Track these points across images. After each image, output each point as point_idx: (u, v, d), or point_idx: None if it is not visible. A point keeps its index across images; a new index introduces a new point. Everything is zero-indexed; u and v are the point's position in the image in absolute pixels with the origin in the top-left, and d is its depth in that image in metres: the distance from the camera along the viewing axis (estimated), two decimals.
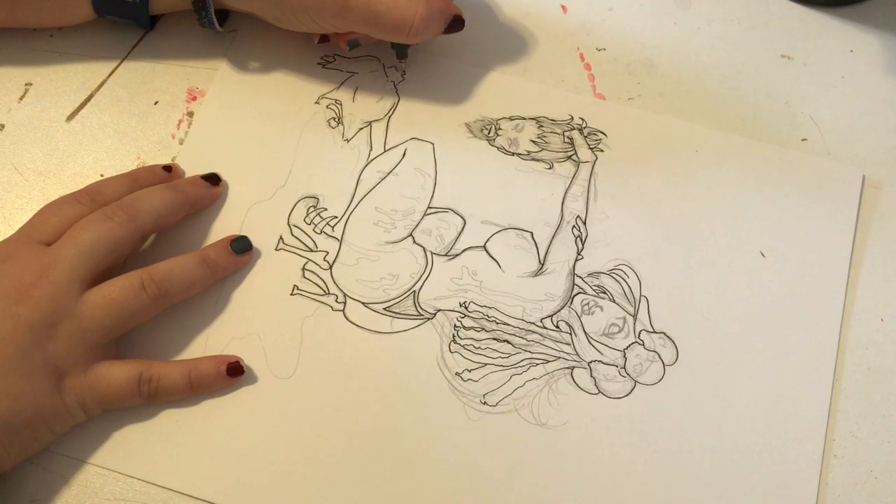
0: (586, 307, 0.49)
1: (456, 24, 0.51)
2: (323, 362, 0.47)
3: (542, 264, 0.50)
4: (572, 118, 0.54)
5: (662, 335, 0.48)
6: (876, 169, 0.53)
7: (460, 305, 0.48)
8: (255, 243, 0.49)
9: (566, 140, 0.53)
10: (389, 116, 0.53)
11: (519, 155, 0.53)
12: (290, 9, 0.49)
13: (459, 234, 0.50)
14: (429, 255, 0.50)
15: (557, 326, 0.48)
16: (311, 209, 0.51)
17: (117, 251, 0.45)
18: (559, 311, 0.49)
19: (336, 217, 0.51)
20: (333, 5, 0.48)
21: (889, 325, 0.49)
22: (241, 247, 0.49)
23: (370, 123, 0.53)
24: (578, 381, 0.47)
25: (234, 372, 0.46)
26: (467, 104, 0.54)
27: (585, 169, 0.52)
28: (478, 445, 0.45)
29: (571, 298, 0.49)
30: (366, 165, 0.52)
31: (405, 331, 0.48)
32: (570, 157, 0.53)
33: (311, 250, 0.50)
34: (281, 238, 0.50)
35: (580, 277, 0.49)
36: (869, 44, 0.57)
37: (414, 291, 0.49)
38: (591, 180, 0.52)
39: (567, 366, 0.47)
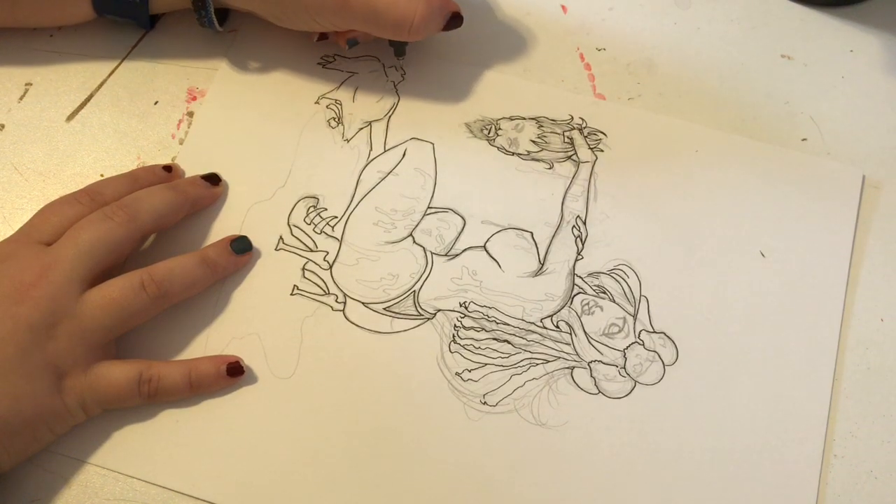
0: (586, 307, 0.49)
1: (455, 20, 0.51)
2: (323, 362, 0.47)
3: (542, 264, 0.50)
4: (572, 118, 0.54)
5: (662, 335, 0.48)
6: (876, 169, 0.53)
7: (460, 305, 0.48)
8: (255, 243, 0.49)
9: (566, 140, 0.53)
10: (389, 116, 0.53)
11: (519, 155, 0.53)
12: (290, 7, 0.49)
13: (459, 234, 0.50)
14: (429, 255, 0.50)
15: (557, 326, 0.48)
16: (311, 209, 0.51)
17: (117, 251, 0.45)
18: (559, 311, 0.49)
19: (336, 217, 0.51)
20: (334, 3, 0.48)
21: (889, 325, 0.49)
22: (241, 247, 0.49)
23: (370, 123, 0.53)
24: (578, 381, 0.47)
25: (234, 372, 0.46)
26: (467, 104, 0.54)
27: (585, 169, 0.52)
28: (478, 445, 0.45)
29: (571, 298, 0.49)
30: (366, 165, 0.52)
31: (405, 331, 0.48)
32: (570, 157, 0.53)
33: (311, 250, 0.50)
34: (281, 238, 0.50)
35: (580, 277, 0.49)
36: (869, 44, 0.57)
37: (414, 291, 0.49)
38: (591, 180, 0.52)
39: (567, 366, 0.47)
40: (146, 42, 0.55)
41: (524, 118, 0.54)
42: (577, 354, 0.48)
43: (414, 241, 0.50)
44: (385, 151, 0.52)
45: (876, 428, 0.47)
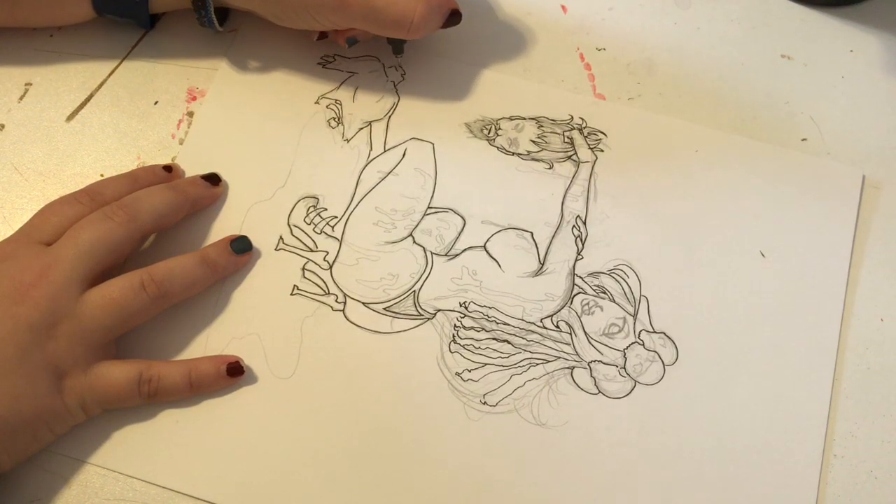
0: (586, 307, 0.49)
1: (453, 17, 0.51)
2: (323, 362, 0.47)
3: (542, 264, 0.50)
4: (572, 118, 0.54)
5: (662, 335, 0.48)
6: (876, 169, 0.53)
7: (460, 305, 0.48)
8: (255, 243, 0.49)
9: (566, 140, 0.53)
10: (389, 116, 0.53)
11: (519, 155, 0.53)
12: (290, 6, 0.49)
13: (459, 234, 0.50)
14: (429, 255, 0.50)
15: (557, 326, 0.48)
16: (311, 209, 0.51)
17: (117, 251, 0.45)
18: (559, 311, 0.49)
19: (336, 217, 0.51)
20: (333, 2, 0.48)
21: (889, 325, 0.49)
22: (241, 247, 0.49)
23: (370, 123, 0.53)
24: (578, 381, 0.47)
25: (234, 372, 0.46)
26: (467, 104, 0.54)
27: (585, 169, 0.52)
28: (478, 445, 0.45)
29: (571, 298, 0.49)
30: (366, 165, 0.52)
31: (405, 331, 0.48)
32: (570, 157, 0.53)
33: (311, 250, 0.50)
34: (281, 238, 0.50)
35: (580, 277, 0.49)
36: (869, 44, 0.57)
37: (414, 291, 0.49)
38: (591, 180, 0.52)
39: (567, 366, 0.47)
40: (146, 42, 0.55)
41: (524, 118, 0.54)
42: (577, 354, 0.48)
43: (414, 241, 0.50)
44: (385, 151, 0.52)
45: (876, 428, 0.47)
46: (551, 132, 0.53)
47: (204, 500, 0.44)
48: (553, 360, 0.47)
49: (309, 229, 0.50)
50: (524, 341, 0.48)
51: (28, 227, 0.46)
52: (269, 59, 0.55)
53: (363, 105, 0.54)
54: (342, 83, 0.54)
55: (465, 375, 0.47)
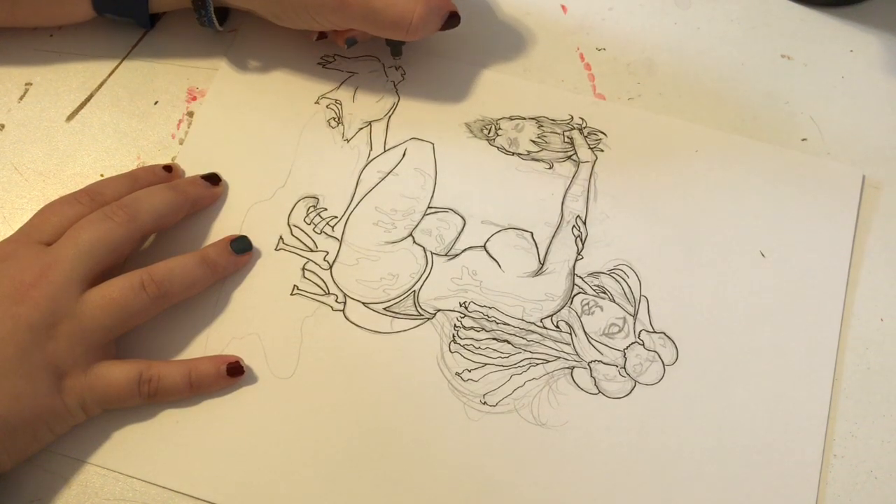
0: (586, 307, 0.49)
1: (452, 20, 0.51)
2: (323, 362, 0.47)
3: (542, 264, 0.50)
4: (572, 118, 0.54)
5: (662, 335, 0.48)
6: (876, 169, 0.53)
7: (460, 305, 0.48)
8: (255, 243, 0.49)
9: (566, 140, 0.53)
10: (389, 116, 0.53)
11: (519, 155, 0.53)
12: (290, 6, 0.49)
13: (459, 234, 0.50)
14: (429, 255, 0.50)
15: (557, 326, 0.48)
16: (311, 209, 0.51)
17: (117, 251, 0.45)
18: (559, 311, 0.49)
19: (336, 217, 0.51)
20: (333, 2, 0.48)
21: (889, 325, 0.49)
22: (241, 247, 0.49)
23: (370, 123, 0.53)
24: (578, 381, 0.47)
25: (234, 372, 0.46)
26: (467, 104, 0.54)
27: (585, 169, 0.52)
28: (478, 445, 0.45)
29: (571, 298, 0.49)
30: (366, 165, 0.52)
31: (405, 331, 0.48)
32: (570, 157, 0.53)
33: (311, 250, 0.50)
34: (281, 238, 0.50)
35: (580, 277, 0.49)
36: (869, 44, 0.57)
37: (414, 291, 0.49)
38: (591, 180, 0.52)
39: (567, 366, 0.47)
40: (146, 42, 0.55)
41: (524, 118, 0.54)
42: (577, 354, 0.48)
43: (414, 241, 0.50)
44: (385, 151, 0.52)
45: (876, 428, 0.47)
46: (551, 132, 0.53)
47: (204, 500, 0.44)
48: (553, 360, 0.47)
49: (309, 229, 0.50)
50: (524, 341, 0.48)
51: (28, 227, 0.46)
52: (269, 59, 0.55)
53: (363, 105, 0.54)
54: (342, 83, 0.54)
55: (465, 375, 0.47)
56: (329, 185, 0.51)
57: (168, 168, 0.50)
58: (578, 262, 0.50)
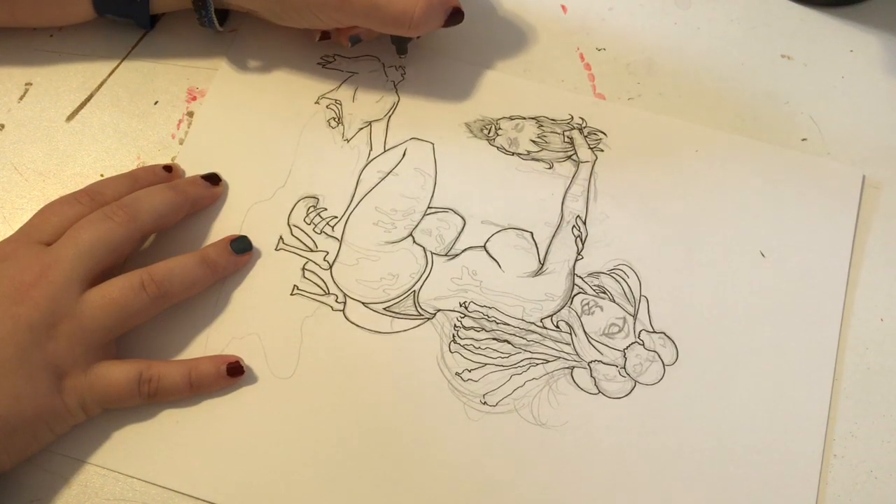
0: (586, 307, 0.49)
1: (456, 16, 0.50)
2: (323, 362, 0.47)
3: (542, 264, 0.50)
4: (572, 118, 0.54)
5: (662, 335, 0.48)
6: (876, 169, 0.53)
7: (460, 305, 0.48)
8: (255, 243, 0.49)
9: (566, 140, 0.53)
10: (389, 116, 0.53)
11: (519, 155, 0.53)
12: (292, 5, 0.49)
13: (459, 234, 0.50)
14: (429, 255, 0.50)
15: (557, 326, 0.48)
16: (311, 209, 0.51)
17: (117, 251, 0.45)
18: (559, 311, 0.49)
19: (336, 217, 0.51)
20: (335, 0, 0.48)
21: (889, 325, 0.49)
22: (241, 247, 0.49)
23: (370, 123, 0.53)
24: (578, 381, 0.47)
25: (234, 372, 0.46)
26: (467, 104, 0.54)
27: (585, 169, 0.52)
28: (478, 445, 0.45)
29: (571, 298, 0.49)
30: (366, 165, 0.52)
31: (405, 331, 0.48)
32: (570, 157, 0.53)
33: (311, 250, 0.50)
34: (281, 238, 0.50)
35: (580, 277, 0.49)
36: (869, 44, 0.57)
37: (414, 291, 0.49)
38: (591, 180, 0.52)
39: (567, 366, 0.47)
40: (146, 42, 0.55)
41: (524, 118, 0.54)
42: (577, 354, 0.48)
43: (414, 241, 0.50)
44: (385, 151, 0.52)
45: (876, 428, 0.47)
46: (551, 132, 0.53)
47: (204, 500, 0.44)
48: (553, 360, 0.47)
49: (309, 229, 0.50)
50: (524, 341, 0.48)
51: (28, 227, 0.46)
52: (269, 59, 0.55)
53: (363, 105, 0.54)
54: (342, 83, 0.54)
55: (465, 375, 0.47)
56: (329, 185, 0.51)
57: (168, 168, 0.50)
58: (578, 262, 0.50)
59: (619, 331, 0.48)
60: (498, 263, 0.50)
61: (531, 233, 0.51)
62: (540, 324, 0.48)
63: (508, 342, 0.48)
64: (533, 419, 0.46)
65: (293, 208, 0.51)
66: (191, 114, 0.53)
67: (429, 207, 0.51)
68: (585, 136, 0.53)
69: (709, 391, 0.47)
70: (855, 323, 0.49)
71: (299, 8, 0.49)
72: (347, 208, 0.51)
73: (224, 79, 0.54)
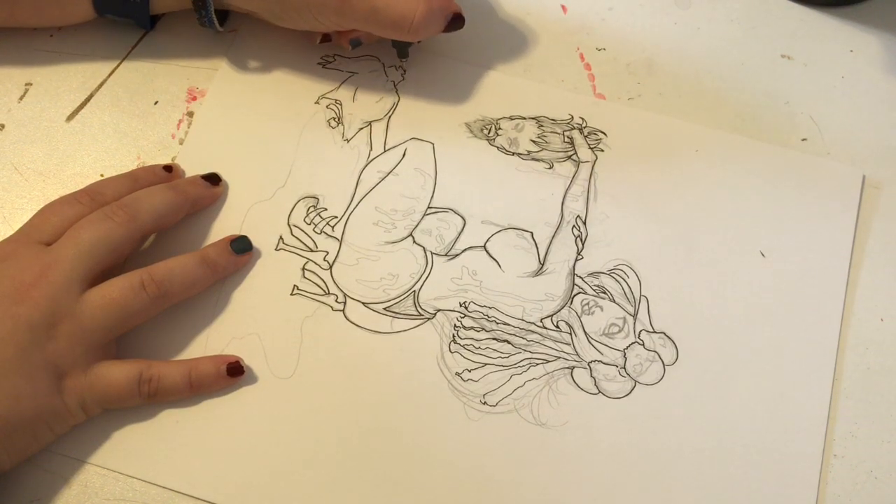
0: (586, 307, 0.49)
1: (456, 21, 0.51)
2: (323, 362, 0.47)
3: (542, 264, 0.50)
4: (572, 118, 0.54)
5: (662, 335, 0.48)
6: (876, 169, 0.53)
7: (460, 305, 0.48)
8: (255, 243, 0.49)
9: (566, 140, 0.53)
10: (389, 116, 0.53)
11: (519, 155, 0.53)
12: (292, 7, 0.49)
13: (459, 234, 0.50)
14: (429, 255, 0.50)
15: (557, 326, 0.48)
16: (311, 209, 0.51)
17: (117, 251, 0.45)
18: (559, 311, 0.49)
19: (336, 217, 0.51)
20: (335, 2, 0.48)
21: (889, 325, 0.49)
22: (241, 247, 0.49)
23: (370, 123, 0.53)
24: (578, 381, 0.47)
25: (234, 372, 0.46)
26: (467, 104, 0.54)
27: (585, 169, 0.52)
28: (478, 445, 0.45)
29: (571, 298, 0.49)
30: (366, 165, 0.52)
31: (405, 331, 0.48)
32: (570, 157, 0.53)
33: (311, 250, 0.50)
34: (281, 238, 0.50)
35: (580, 277, 0.49)
36: (869, 44, 0.57)
37: (414, 291, 0.49)
38: (591, 180, 0.52)
39: (567, 366, 0.47)
40: (146, 42, 0.55)
41: (524, 118, 0.54)
42: (577, 354, 0.48)
43: (414, 241, 0.50)
44: (385, 151, 0.52)
45: (876, 428, 0.47)
46: (551, 132, 0.53)
47: (204, 500, 0.44)
48: (553, 360, 0.47)
49: (309, 229, 0.50)
50: (524, 341, 0.48)
51: (28, 227, 0.46)
52: (269, 59, 0.55)
53: (363, 105, 0.54)
54: (342, 83, 0.54)
55: (465, 375, 0.47)
56: (329, 185, 0.51)
57: (168, 168, 0.50)
58: (578, 262, 0.50)
59: (619, 331, 0.48)
60: (498, 263, 0.50)
61: (531, 233, 0.51)
62: (540, 324, 0.48)
63: (508, 342, 0.48)
64: (533, 419, 0.46)
65: (293, 208, 0.51)
66: (191, 114, 0.53)
67: (429, 207, 0.51)
68: (585, 136, 0.53)
69: (709, 391, 0.47)
70: (855, 323, 0.49)
71: (299, 9, 0.49)
72: (347, 208, 0.51)
73: (224, 79, 0.54)
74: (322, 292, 0.49)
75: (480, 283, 0.49)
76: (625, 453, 0.46)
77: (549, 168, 0.52)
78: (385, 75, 0.54)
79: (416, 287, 0.49)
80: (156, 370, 0.44)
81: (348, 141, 0.53)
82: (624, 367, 0.47)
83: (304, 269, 0.49)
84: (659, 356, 0.48)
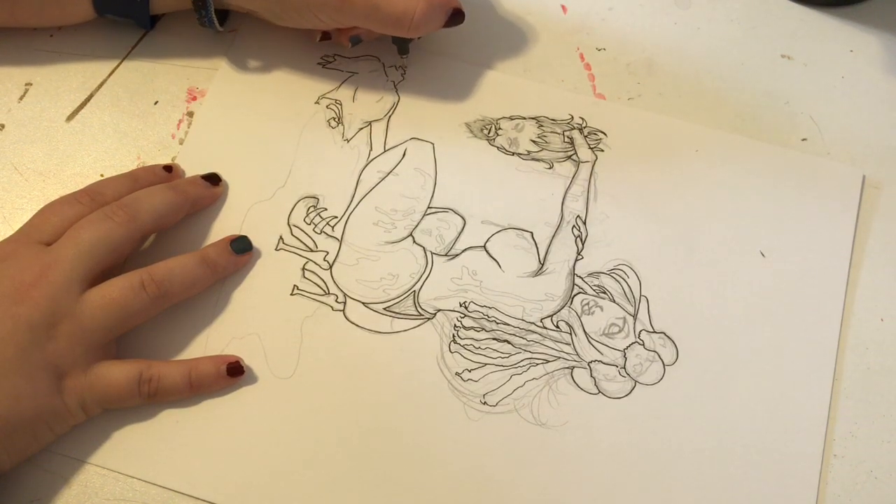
0: (586, 307, 0.49)
1: (456, 17, 0.50)
2: (323, 362, 0.47)
3: (542, 264, 0.50)
4: (572, 118, 0.54)
5: (662, 335, 0.48)
6: (876, 169, 0.53)
7: (460, 305, 0.48)
8: (255, 243, 0.49)
9: (566, 140, 0.53)
10: (389, 116, 0.53)
11: (519, 155, 0.53)
12: (292, 5, 0.49)
13: (459, 234, 0.50)
14: (429, 255, 0.50)
15: (557, 326, 0.48)
16: (311, 209, 0.51)
17: (117, 251, 0.45)
18: (559, 311, 0.49)
19: (336, 217, 0.51)
20: (336, 0, 0.48)
21: (889, 325, 0.49)
22: (241, 247, 0.49)
23: (370, 123, 0.53)
24: (578, 381, 0.47)
25: (234, 372, 0.46)
26: (467, 104, 0.54)
27: (585, 169, 0.52)
28: (478, 445, 0.45)
29: (571, 298, 0.49)
30: (366, 165, 0.52)
31: (405, 331, 0.48)
32: (570, 157, 0.53)
33: (311, 250, 0.50)
34: (281, 238, 0.50)
35: (580, 277, 0.49)
36: (869, 44, 0.57)
37: (414, 291, 0.49)
38: (591, 180, 0.52)
39: (567, 366, 0.47)
40: (146, 42, 0.55)
41: (524, 118, 0.54)
42: (577, 354, 0.48)
43: (414, 241, 0.50)
44: (385, 151, 0.52)
45: (876, 428, 0.47)
46: (551, 132, 0.53)
47: (204, 500, 0.44)
48: (553, 360, 0.47)
49: (309, 229, 0.50)
50: (524, 341, 0.48)
51: (28, 227, 0.46)
52: (269, 59, 0.55)
53: (363, 105, 0.54)
54: (342, 83, 0.54)
55: (465, 375, 0.47)
56: (329, 185, 0.51)
57: (168, 168, 0.50)
58: (578, 262, 0.50)
59: (619, 331, 0.48)
60: (498, 263, 0.50)
61: (531, 233, 0.51)
62: (540, 324, 0.48)
63: (508, 342, 0.48)
64: (533, 419, 0.46)
65: (293, 208, 0.51)
66: (191, 114, 0.53)
67: (429, 207, 0.51)
68: (585, 136, 0.53)
69: (709, 391, 0.47)
70: (855, 323, 0.49)
71: (299, 8, 0.49)
72: (347, 208, 0.51)
73: (224, 79, 0.54)
74: (322, 292, 0.49)
75: (480, 283, 0.49)
76: (625, 453, 0.46)
77: (549, 168, 0.52)
78: (385, 75, 0.54)
79: (416, 287, 0.49)
80: (156, 370, 0.44)
81: (348, 141, 0.53)
82: (624, 367, 0.47)
83: (304, 269, 0.49)
84: (659, 356, 0.48)
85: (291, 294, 0.49)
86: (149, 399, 0.45)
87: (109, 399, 0.44)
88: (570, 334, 0.48)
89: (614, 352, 0.48)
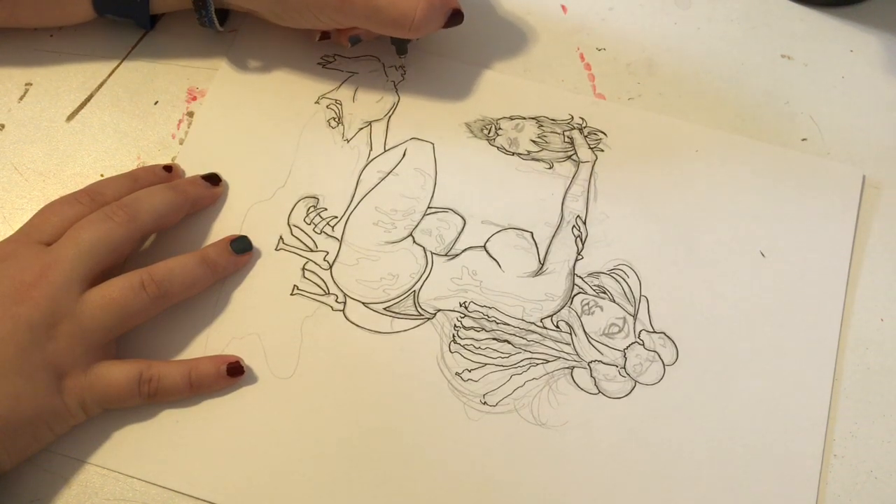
0: (586, 307, 0.49)
1: (455, 17, 0.51)
2: (323, 362, 0.47)
3: (542, 264, 0.50)
4: (572, 118, 0.54)
5: (662, 335, 0.48)
6: (876, 169, 0.53)
7: (460, 305, 0.48)
8: (255, 243, 0.49)
9: (566, 140, 0.53)
10: (389, 116, 0.53)
11: (519, 155, 0.53)
12: (292, 5, 0.49)
13: (459, 234, 0.50)
14: (429, 255, 0.50)
15: (557, 326, 0.48)
16: (311, 209, 0.51)
17: (117, 251, 0.45)
18: (559, 311, 0.49)
19: (336, 217, 0.51)
20: (336, 1, 0.48)
21: (889, 325, 0.49)
22: (241, 247, 0.49)
23: (370, 123, 0.53)
24: (578, 381, 0.47)
25: (234, 372, 0.46)
26: (467, 104, 0.54)
27: (585, 169, 0.52)
28: (478, 445, 0.45)
29: (571, 298, 0.49)
30: (366, 165, 0.52)
31: (405, 331, 0.48)
32: (570, 157, 0.53)
33: (311, 250, 0.50)
34: (281, 238, 0.50)
35: (580, 277, 0.49)
36: (869, 44, 0.57)
37: (414, 291, 0.49)
38: (591, 180, 0.52)
39: (567, 366, 0.47)
40: (146, 42, 0.55)
41: (524, 118, 0.54)
42: (577, 354, 0.48)
43: (414, 241, 0.50)
44: (385, 151, 0.52)
45: (876, 428, 0.47)
46: (551, 132, 0.53)
47: (204, 500, 0.44)
48: (553, 360, 0.47)
49: (309, 229, 0.50)
50: (524, 341, 0.48)
51: (28, 227, 0.46)
52: (269, 59, 0.55)
53: (363, 105, 0.54)
54: (342, 83, 0.54)
55: (465, 375, 0.47)
56: (329, 185, 0.51)
57: (168, 168, 0.50)
58: (578, 262, 0.50)
59: (619, 331, 0.48)
60: (498, 263, 0.50)
61: (531, 233, 0.51)
62: (540, 324, 0.48)
63: (508, 342, 0.48)
64: (533, 419, 0.46)
65: (293, 208, 0.51)
66: (191, 114, 0.53)
67: (429, 207, 0.51)
68: (585, 136, 0.53)
69: (709, 391, 0.47)
70: (855, 323, 0.49)
71: (299, 8, 0.49)
72: (347, 208, 0.51)
73: (224, 79, 0.54)
74: (322, 292, 0.49)
75: (480, 283, 0.49)
76: (625, 453, 0.46)
77: (549, 168, 0.52)
78: (385, 75, 0.54)
79: (416, 287, 0.49)
80: (156, 370, 0.44)
81: (348, 141, 0.53)
82: (624, 367, 0.47)
83: (304, 269, 0.49)
84: (659, 356, 0.48)
85: (291, 294, 0.49)
86: (149, 399, 0.45)
87: (109, 399, 0.44)
88: (570, 334, 0.48)
89: (614, 352, 0.48)
